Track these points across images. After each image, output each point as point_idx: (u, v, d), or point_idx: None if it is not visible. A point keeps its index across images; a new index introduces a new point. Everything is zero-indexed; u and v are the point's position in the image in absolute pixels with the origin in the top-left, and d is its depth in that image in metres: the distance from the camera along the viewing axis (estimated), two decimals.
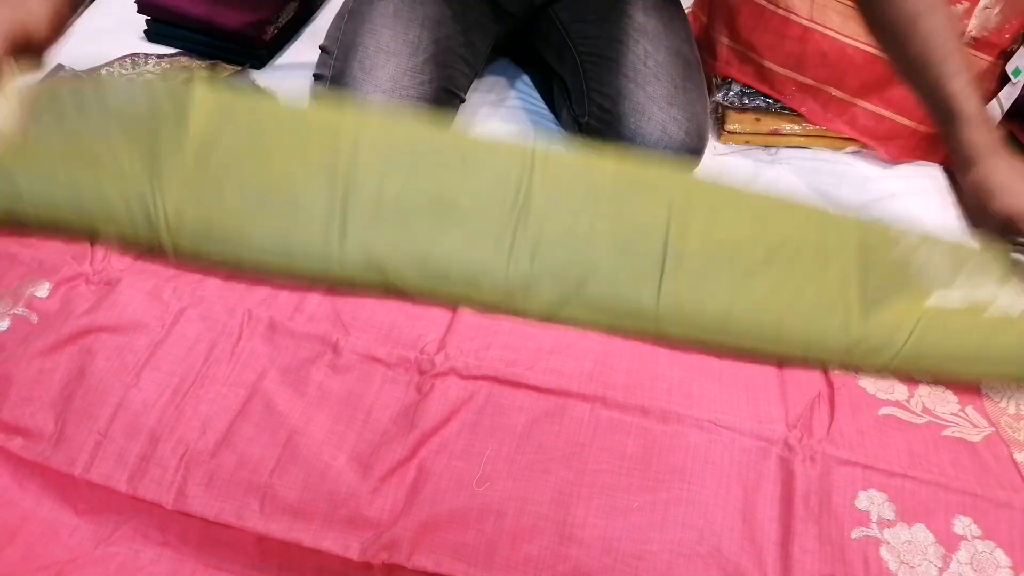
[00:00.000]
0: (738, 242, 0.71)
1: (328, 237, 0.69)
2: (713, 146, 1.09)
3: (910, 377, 0.71)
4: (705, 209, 0.72)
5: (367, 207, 0.70)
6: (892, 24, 0.77)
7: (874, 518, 0.59)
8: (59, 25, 0.74)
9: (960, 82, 0.75)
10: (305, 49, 1.18)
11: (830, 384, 0.69)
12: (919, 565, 0.57)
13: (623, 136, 0.91)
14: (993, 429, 0.67)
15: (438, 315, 0.71)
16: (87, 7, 1.21)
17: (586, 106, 0.96)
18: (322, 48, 0.96)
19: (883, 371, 0.69)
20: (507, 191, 0.71)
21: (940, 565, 0.57)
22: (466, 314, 0.71)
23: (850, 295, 0.69)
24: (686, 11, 1.08)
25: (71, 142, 0.72)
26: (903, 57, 0.79)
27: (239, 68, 1.11)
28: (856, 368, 0.70)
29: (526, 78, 1.19)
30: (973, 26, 0.98)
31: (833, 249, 0.72)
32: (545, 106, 1.13)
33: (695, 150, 0.93)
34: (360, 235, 0.69)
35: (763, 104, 1.11)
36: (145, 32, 1.15)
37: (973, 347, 0.68)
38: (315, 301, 0.71)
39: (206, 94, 0.73)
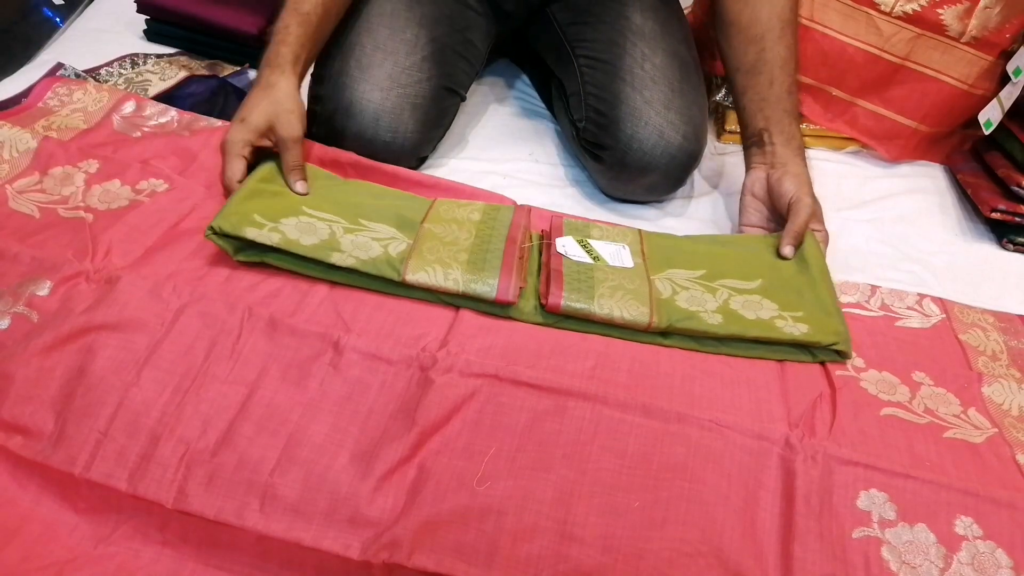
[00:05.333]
0: None
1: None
2: (713, 146, 1.09)
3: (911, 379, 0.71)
4: None
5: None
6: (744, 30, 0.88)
7: (875, 518, 0.59)
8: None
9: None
10: None
11: (832, 385, 0.69)
12: (920, 565, 0.57)
13: (620, 141, 0.90)
14: (996, 430, 0.67)
15: (440, 314, 0.71)
16: (86, 7, 1.20)
17: (583, 110, 0.95)
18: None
19: None
20: None
21: (941, 565, 0.57)
22: (468, 314, 0.71)
23: None
24: (685, 11, 1.07)
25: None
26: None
27: (239, 68, 1.11)
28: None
29: (526, 78, 1.19)
30: (973, 26, 0.98)
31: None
32: (544, 106, 1.13)
33: (692, 154, 0.92)
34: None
35: None
36: (144, 32, 1.15)
37: None
38: (316, 299, 0.71)
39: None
